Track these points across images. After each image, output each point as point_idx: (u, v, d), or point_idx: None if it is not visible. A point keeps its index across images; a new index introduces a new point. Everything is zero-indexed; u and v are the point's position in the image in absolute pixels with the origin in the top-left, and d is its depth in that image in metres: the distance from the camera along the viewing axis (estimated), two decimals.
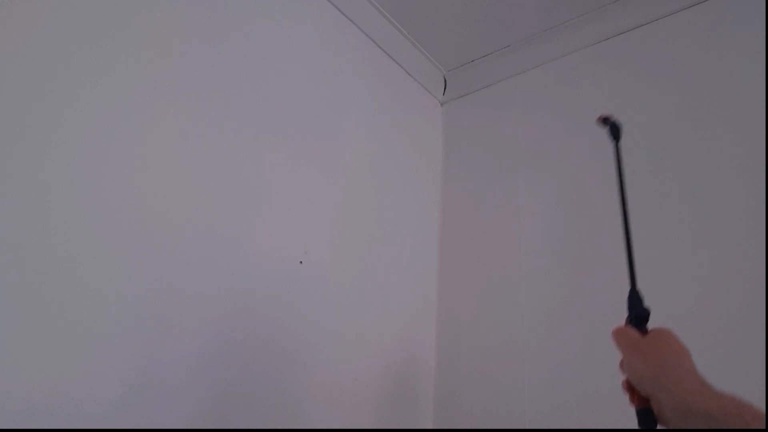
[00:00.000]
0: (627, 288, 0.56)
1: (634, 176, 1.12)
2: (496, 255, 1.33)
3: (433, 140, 1.58)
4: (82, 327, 0.70)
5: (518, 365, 1.18)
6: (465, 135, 1.56)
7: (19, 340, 0.64)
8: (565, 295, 1.16)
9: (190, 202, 0.87)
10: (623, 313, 0.55)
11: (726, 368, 0.88)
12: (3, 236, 0.65)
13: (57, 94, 0.73)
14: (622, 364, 0.50)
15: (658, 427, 0.45)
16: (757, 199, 0.96)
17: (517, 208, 1.33)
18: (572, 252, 1.19)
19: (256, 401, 0.89)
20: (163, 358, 0.78)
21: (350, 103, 1.27)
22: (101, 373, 0.70)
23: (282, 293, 0.99)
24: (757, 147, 0.99)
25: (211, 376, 0.83)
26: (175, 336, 0.80)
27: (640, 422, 0.46)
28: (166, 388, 0.77)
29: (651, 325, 0.53)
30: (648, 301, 0.54)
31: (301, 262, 1.04)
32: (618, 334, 0.52)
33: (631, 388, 0.48)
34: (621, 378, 0.51)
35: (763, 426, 0.36)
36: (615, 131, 0.70)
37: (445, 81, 1.65)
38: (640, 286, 0.56)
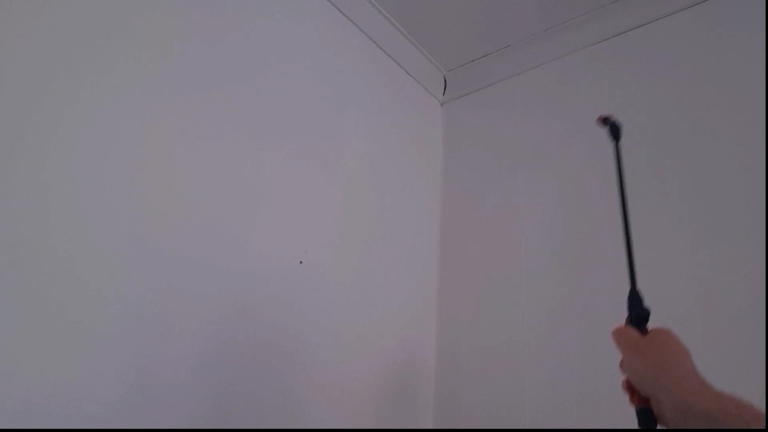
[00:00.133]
0: (627, 288, 0.56)
1: (634, 176, 1.12)
2: (496, 255, 1.33)
3: (433, 140, 1.58)
4: (82, 327, 0.70)
5: (518, 365, 1.18)
6: (465, 135, 1.56)
7: (19, 340, 0.64)
8: (565, 295, 1.16)
9: (190, 202, 0.87)
10: (623, 313, 0.55)
11: (726, 368, 0.88)
12: (3, 236, 0.65)
13: (57, 94, 0.73)
14: (622, 364, 0.50)
15: (658, 427, 0.45)
16: (757, 199, 0.96)
17: (517, 208, 1.33)
18: (572, 252, 1.19)
19: (256, 401, 0.89)
20: (163, 358, 0.78)
21: (350, 103, 1.27)
22: (101, 373, 0.70)
23: (282, 293, 0.99)
24: (757, 147, 0.99)
25: (211, 376, 0.83)
26: (175, 336, 0.80)
27: (640, 422, 0.46)
28: (166, 388, 0.77)
29: (651, 324, 0.53)
30: (648, 301, 0.54)
31: (301, 262, 1.04)
32: (618, 334, 0.52)
33: (631, 388, 0.48)
34: (621, 378, 0.51)
35: (763, 426, 0.36)
36: (615, 131, 0.70)
37: (445, 81, 1.65)
38: (641, 285, 0.56)
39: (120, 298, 0.74)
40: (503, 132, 1.45)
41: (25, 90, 0.70)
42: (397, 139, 1.41)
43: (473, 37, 1.47)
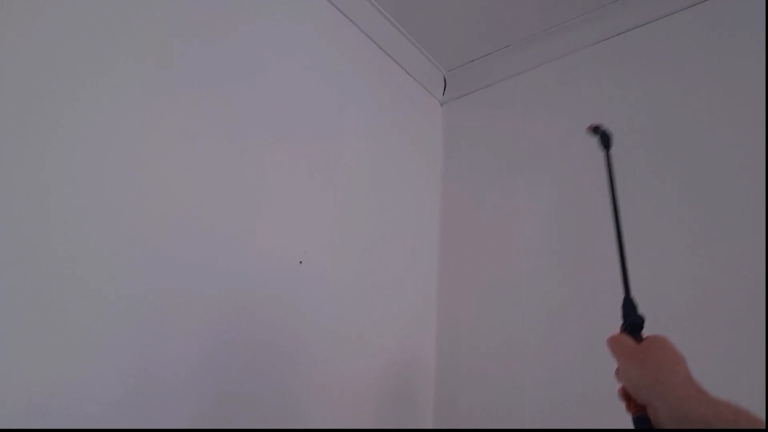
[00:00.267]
0: None
1: (634, 176, 1.13)
2: (496, 255, 1.33)
3: (433, 140, 1.58)
4: (82, 327, 0.70)
5: (518, 365, 1.18)
6: (465, 135, 1.56)
7: (19, 340, 0.64)
8: (565, 295, 1.16)
9: (190, 202, 0.87)
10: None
11: (726, 369, 0.88)
12: (3, 236, 0.65)
13: (57, 94, 0.73)
14: (617, 373, 0.50)
15: None
16: (757, 199, 0.96)
17: (517, 208, 1.33)
18: (572, 252, 1.19)
19: (256, 401, 0.89)
20: (163, 358, 0.78)
21: (350, 103, 1.27)
22: (101, 373, 0.70)
23: (282, 293, 0.99)
24: (757, 147, 0.99)
25: (211, 376, 0.83)
26: (175, 336, 0.80)
27: (636, 430, 0.47)
28: (166, 388, 0.77)
29: (650, 328, 0.53)
30: (648, 303, 0.55)
31: (301, 262, 1.04)
32: (613, 342, 0.52)
33: (627, 395, 0.48)
34: (617, 386, 0.51)
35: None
36: (605, 140, 0.70)
37: (445, 81, 1.65)
38: (642, 287, 0.56)
39: (120, 298, 0.74)
40: (503, 132, 1.45)
41: (25, 90, 0.70)
42: (397, 139, 1.41)
43: (473, 37, 1.47)
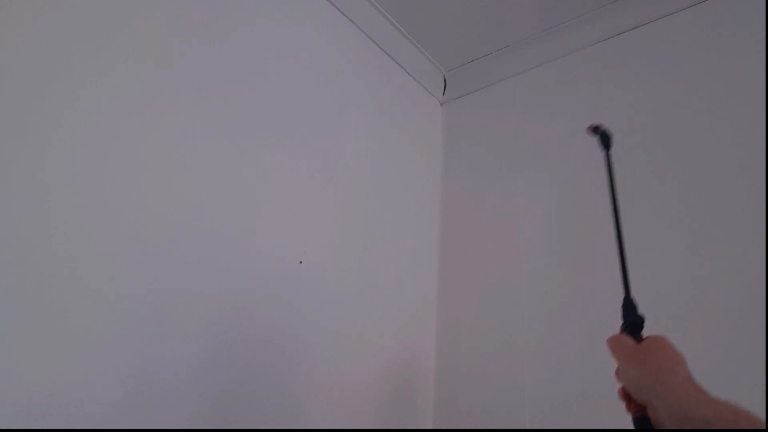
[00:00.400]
0: None
1: (634, 176, 1.12)
2: (496, 255, 1.33)
3: (433, 140, 1.58)
4: (82, 327, 0.70)
5: (518, 365, 1.18)
6: (465, 135, 1.56)
7: (19, 340, 0.64)
8: (565, 295, 1.16)
9: (190, 202, 0.87)
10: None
11: (726, 369, 0.88)
12: (3, 236, 0.65)
13: (57, 94, 0.73)
14: (617, 373, 0.50)
15: None
16: (757, 199, 0.96)
17: (517, 208, 1.33)
18: (572, 252, 1.19)
19: (256, 401, 0.89)
20: (163, 358, 0.78)
21: (350, 103, 1.27)
22: (101, 373, 0.70)
23: (282, 293, 0.99)
24: (757, 147, 0.99)
25: (211, 376, 0.83)
26: (175, 336, 0.80)
27: (636, 430, 0.47)
28: (166, 388, 0.77)
29: (650, 328, 0.53)
30: (648, 303, 0.55)
31: (300, 262, 1.04)
32: (613, 343, 0.52)
33: (627, 395, 0.49)
34: (617, 386, 0.51)
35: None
36: (605, 140, 0.70)
37: (445, 81, 1.65)
38: (642, 287, 0.56)
39: (120, 298, 0.74)
40: (503, 132, 1.45)
41: (25, 90, 0.70)
42: (397, 139, 1.41)
43: (473, 37, 1.47)
